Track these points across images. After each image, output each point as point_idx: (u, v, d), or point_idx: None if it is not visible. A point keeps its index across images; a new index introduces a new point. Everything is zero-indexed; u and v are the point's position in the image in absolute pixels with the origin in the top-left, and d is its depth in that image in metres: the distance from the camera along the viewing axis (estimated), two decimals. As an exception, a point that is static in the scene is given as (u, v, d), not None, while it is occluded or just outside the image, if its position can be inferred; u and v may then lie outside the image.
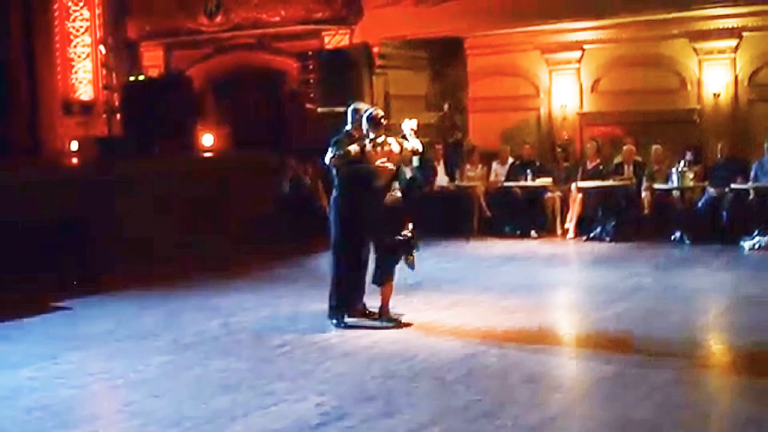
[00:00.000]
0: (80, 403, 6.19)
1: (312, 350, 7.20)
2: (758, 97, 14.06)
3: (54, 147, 18.15)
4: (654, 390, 5.89)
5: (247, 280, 10.47)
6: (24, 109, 18.39)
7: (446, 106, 16.19)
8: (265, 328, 8.00)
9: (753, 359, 6.76)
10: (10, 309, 8.80)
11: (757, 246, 11.64)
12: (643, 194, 12.77)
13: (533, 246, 12.77)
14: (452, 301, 8.96)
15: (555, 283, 10.34)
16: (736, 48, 14.08)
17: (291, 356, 7.07)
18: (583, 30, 15.12)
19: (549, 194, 13.59)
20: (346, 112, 8.23)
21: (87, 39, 18.56)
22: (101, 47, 18.48)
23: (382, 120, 7.89)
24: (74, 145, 17.43)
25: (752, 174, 12.30)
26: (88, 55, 18.58)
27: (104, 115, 18.18)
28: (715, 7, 13.56)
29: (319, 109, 14.96)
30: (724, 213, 12.22)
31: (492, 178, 14.29)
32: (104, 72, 18.46)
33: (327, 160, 7.92)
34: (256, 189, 13.66)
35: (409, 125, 8.12)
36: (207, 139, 16.51)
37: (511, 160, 14.33)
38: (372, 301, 8.03)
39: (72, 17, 18.55)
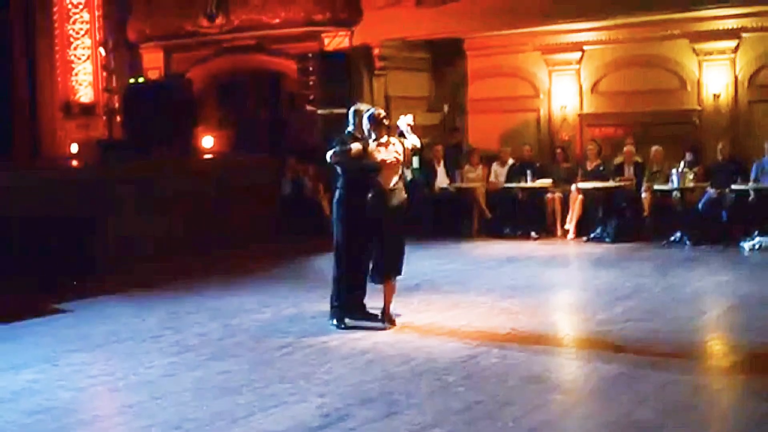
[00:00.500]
0: (81, 405, 6.18)
1: (313, 352, 7.20)
2: (758, 97, 14.07)
3: (54, 149, 18.18)
4: (655, 391, 5.89)
5: (248, 282, 10.47)
6: (24, 111, 18.42)
7: (446, 108, 16.20)
8: (266, 330, 8.00)
9: (754, 360, 6.75)
10: (11, 310, 8.80)
11: (757, 246, 11.64)
12: (644, 195, 12.77)
13: (533, 247, 12.76)
14: (452, 302, 8.96)
15: (555, 284, 10.34)
16: (736, 49, 14.09)
17: (292, 358, 7.06)
18: (583, 31, 15.13)
19: (549, 195, 13.60)
20: (347, 114, 8.21)
21: (87, 41, 18.60)
22: (101, 49, 18.52)
23: (384, 119, 7.80)
24: (74, 148, 17.45)
25: (752, 175, 12.31)
26: (88, 58, 18.62)
27: (104, 118, 18.21)
28: (715, 8, 13.55)
29: (319, 111, 14.98)
30: (724, 214, 12.23)
31: (492, 179, 14.29)
32: (104, 74, 18.50)
33: (328, 157, 7.91)
34: (256, 190, 13.67)
35: (405, 121, 8.00)
36: (207, 141, 16.53)
37: (511, 161, 14.34)
38: (373, 302, 8.04)
39: (72, 19, 18.58)
